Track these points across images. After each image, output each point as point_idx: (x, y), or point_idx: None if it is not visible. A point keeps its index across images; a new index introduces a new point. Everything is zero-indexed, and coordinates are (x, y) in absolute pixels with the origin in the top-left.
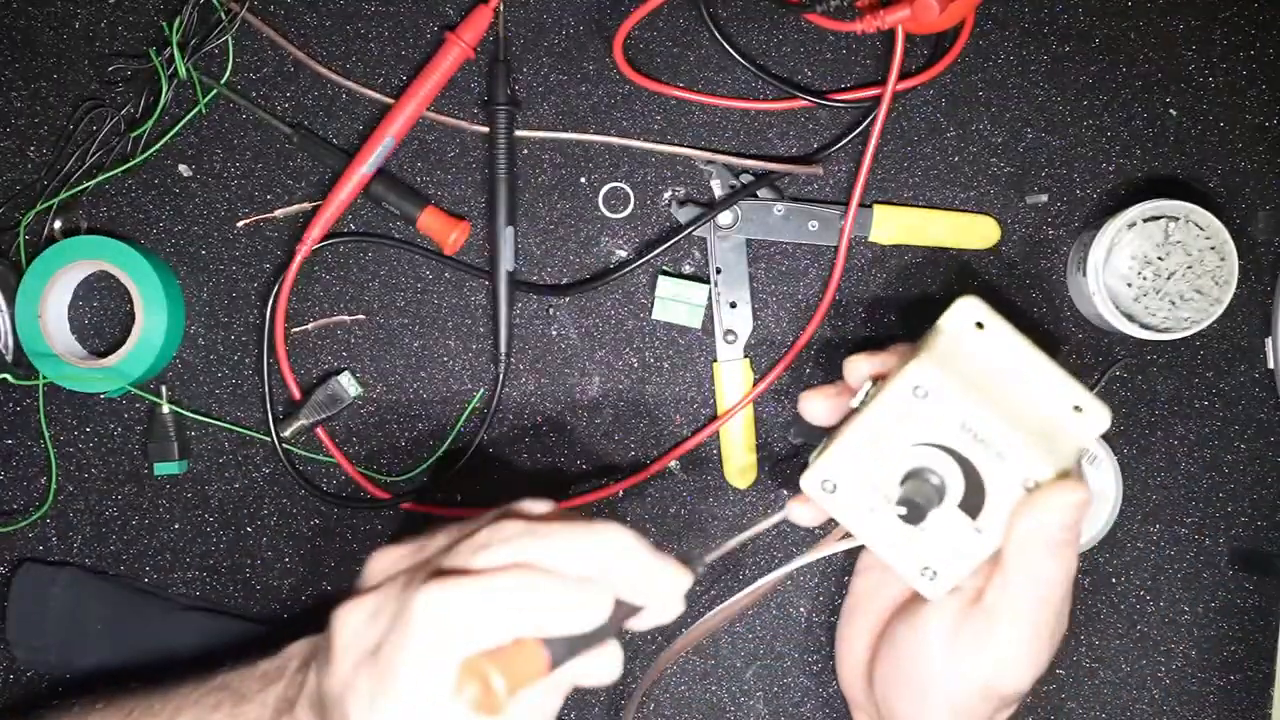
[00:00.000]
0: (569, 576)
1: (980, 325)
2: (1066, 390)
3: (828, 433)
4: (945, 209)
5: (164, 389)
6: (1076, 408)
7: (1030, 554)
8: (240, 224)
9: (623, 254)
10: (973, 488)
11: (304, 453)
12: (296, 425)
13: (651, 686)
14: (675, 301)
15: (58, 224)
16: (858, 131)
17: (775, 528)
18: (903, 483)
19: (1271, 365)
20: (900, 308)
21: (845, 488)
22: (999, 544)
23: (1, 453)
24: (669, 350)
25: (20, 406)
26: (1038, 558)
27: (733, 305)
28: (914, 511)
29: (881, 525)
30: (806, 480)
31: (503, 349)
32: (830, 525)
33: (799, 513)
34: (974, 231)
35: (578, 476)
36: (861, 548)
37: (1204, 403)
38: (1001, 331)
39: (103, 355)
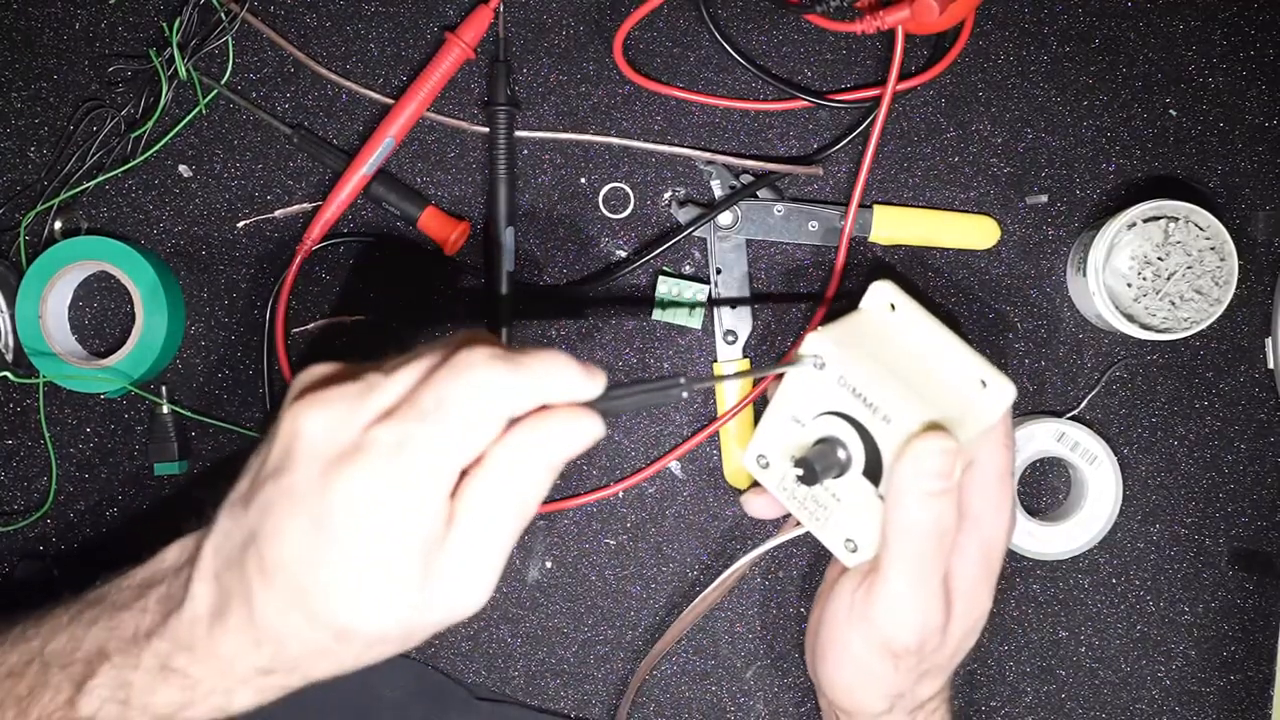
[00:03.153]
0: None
1: (893, 307)
2: (973, 367)
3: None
4: (945, 209)
5: (164, 389)
6: (983, 383)
7: (903, 504)
8: (240, 224)
9: (623, 254)
10: (873, 455)
11: None
12: None
13: (651, 687)
14: (675, 302)
15: (58, 224)
16: (858, 132)
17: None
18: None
19: (1271, 365)
20: None
21: (774, 461)
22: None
23: (1, 453)
24: (669, 350)
25: (20, 406)
26: (909, 508)
27: (733, 305)
28: (809, 473)
29: (808, 498)
30: (746, 456)
31: None
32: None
33: (754, 505)
34: (974, 231)
35: (578, 477)
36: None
37: (1204, 403)
38: (912, 312)
39: (103, 355)
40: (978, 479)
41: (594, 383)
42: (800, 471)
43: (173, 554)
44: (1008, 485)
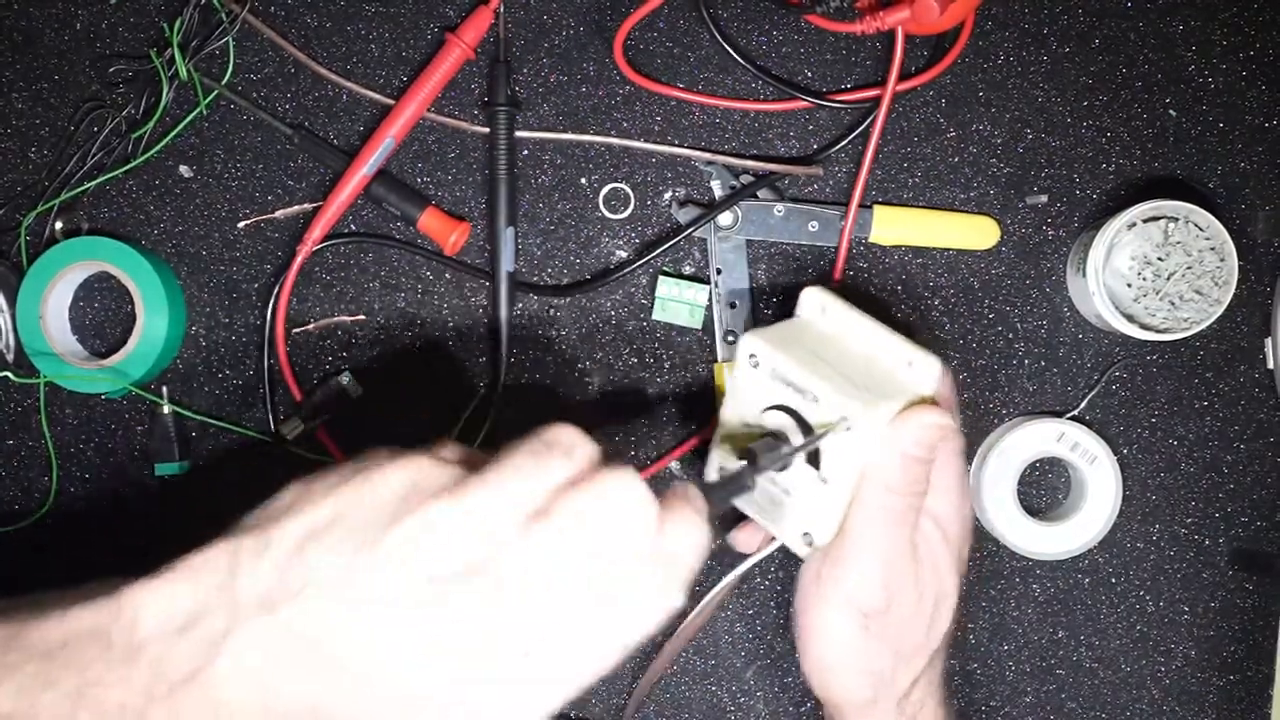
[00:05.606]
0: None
1: (824, 310)
2: (899, 350)
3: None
4: (945, 209)
5: (165, 389)
6: (909, 363)
7: (884, 465)
8: (241, 225)
9: (623, 254)
10: (812, 438)
11: (305, 453)
12: (297, 426)
13: (650, 688)
14: (675, 302)
15: (59, 225)
16: (858, 132)
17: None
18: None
19: (1271, 365)
20: (900, 309)
21: (730, 469)
22: (846, 489)
23: (2, 453)
24: (669, 350)
25: (21, 407)
26: (890, 468)
27: (733, 305)
28: (752, 461)
29: (765, 501)
30: (708, 472)
31: (503, 349)
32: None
33: (739, 538)
34: (974, 232)
35: None
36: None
37: (1204, 403)
38: (841, 311)
39: (103, 356)
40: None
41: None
42: (745, 462)
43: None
44: (960, 470)
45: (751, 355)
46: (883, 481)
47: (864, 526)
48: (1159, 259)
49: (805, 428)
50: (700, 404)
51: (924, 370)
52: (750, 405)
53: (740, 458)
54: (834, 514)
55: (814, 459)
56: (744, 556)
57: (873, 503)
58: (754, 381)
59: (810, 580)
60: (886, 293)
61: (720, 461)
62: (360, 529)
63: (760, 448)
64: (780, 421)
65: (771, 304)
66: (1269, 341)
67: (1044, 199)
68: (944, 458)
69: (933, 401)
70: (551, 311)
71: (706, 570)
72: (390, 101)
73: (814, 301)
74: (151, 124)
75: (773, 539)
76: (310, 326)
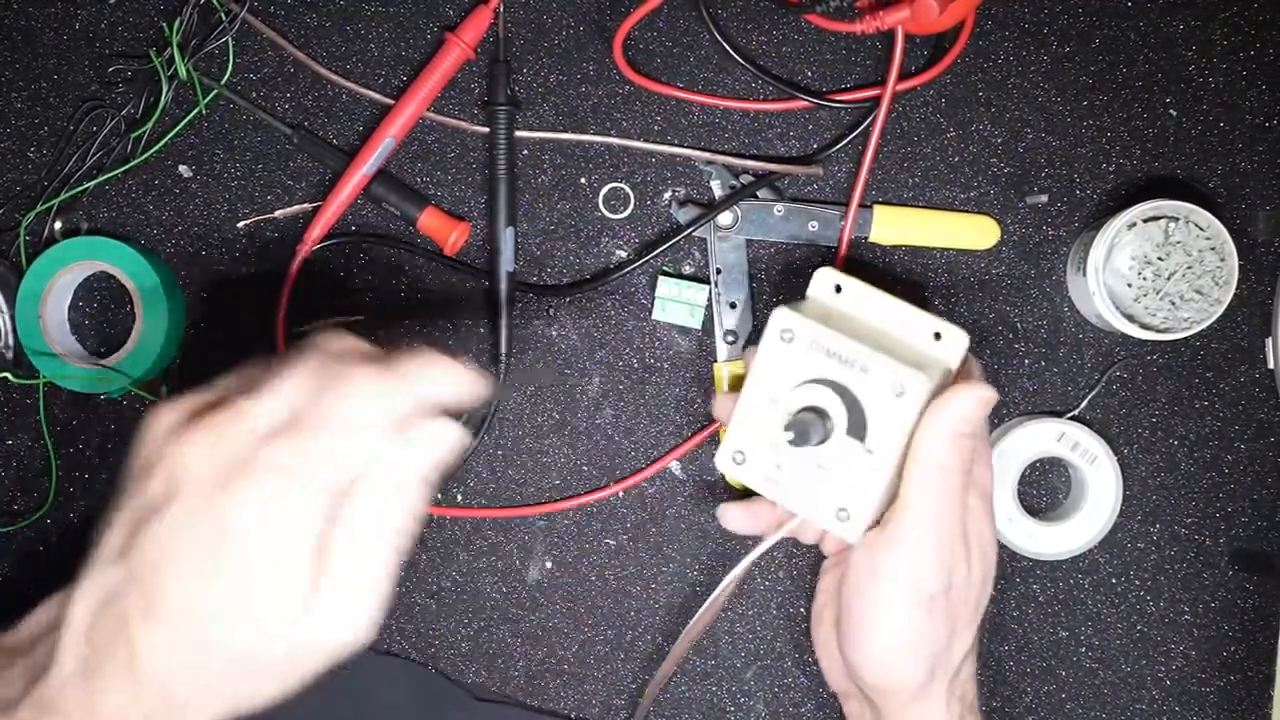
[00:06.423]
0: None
1: (839, 288)
2: (924, 322)
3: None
4: (945, 209)
5: (164, 389)
6: (936, 335)
7: (935, 445)
8: (241, 225)
9: (623, 254)
10: (855, 412)
11: None
12: None
13: (645, 686)
14: (675, 302)
15: (58, 225)
16: (858, 132)
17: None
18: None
19: (1271, 365)
20: None
21: (752, 454)
22: (894, 459)
23: (2, 453)
24: (669, 350)
25: (20, 407)
26: (942, 448)
27: (733, 305)
28: (800, 434)
29: (792, 481)
30: (720, 459)
31: (503, 349)
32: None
33: (730, 516)
34: (974, 231)
35: (578, 477)
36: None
37: (1204, 403)
38: (858, 288)
39: (103, 355)
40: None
41: (470, 379)
42: (791, 435)
43: (35, 619)
44: (985, 438)
45: (785, 330)
46: (936, 462)
47: (921, 507)
48: (1159, 259)
49: (849, 400)
50: (700, 404)
51: (952, 341)
52: (781, 382)
53: (786, 428)
54: (878, 486)
55: (859, 431)
56: (747, 552)
57: (929, 483)
58: (786, 357)
59: (864, 568)
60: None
61: (738, 445)
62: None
63: (801, 420)
64: (818, 397)
65: (771, 304)
66: (1269, 341)
67: (1044, 199)
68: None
69: (964, 373)
70: (551, 311)
71: (711, 569)
72: (390, 101)
73: (827, 280)
74: (151, 124)
75: (779, 527)
76: (310, 326)
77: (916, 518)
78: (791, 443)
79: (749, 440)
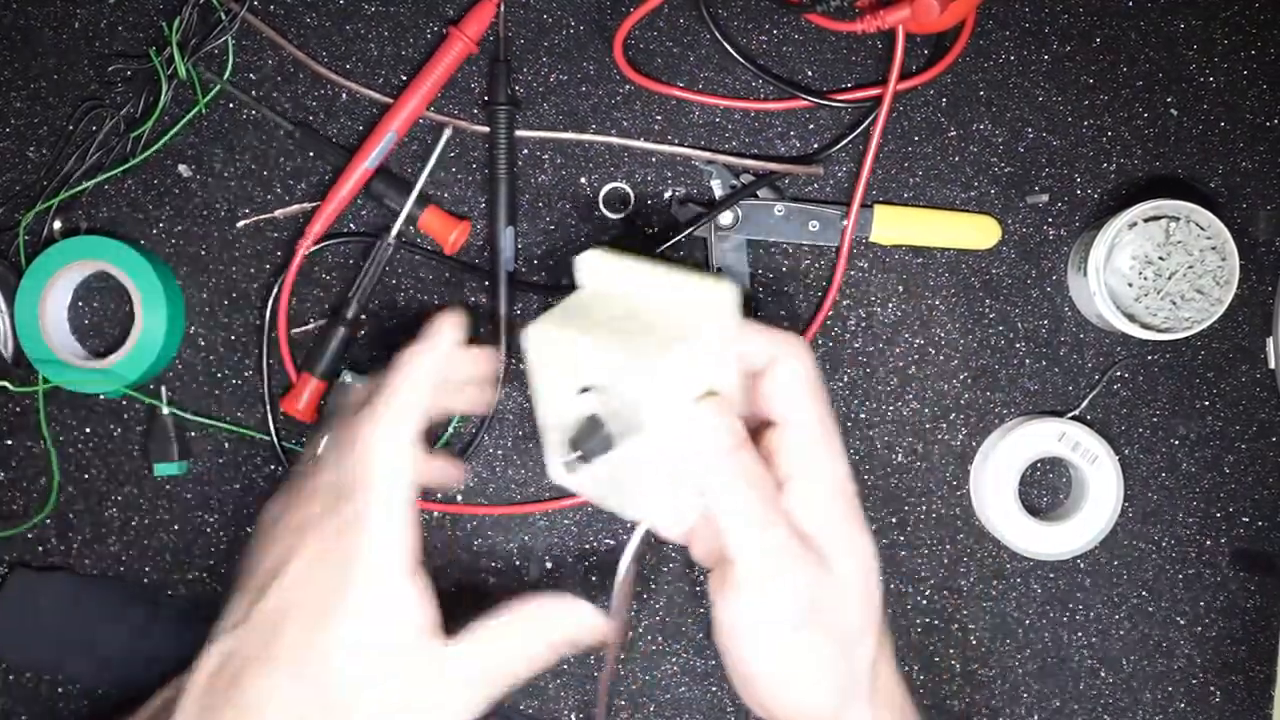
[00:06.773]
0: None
1: (599, 271)
2: (691, 284)
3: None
4: (946, 209)
5: (164, 389)
6: (705, 293)
7: (714, 471)
8: (240, 224)
9: None
10: (629, 409)
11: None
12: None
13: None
14: None
15: (57, 224)
16: (858, 132)
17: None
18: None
19: (1272, 365)
20: (901, 308)
21: (569, 461)
22: (679, 439)
23: (2, 454)
24: None
25: (21, 408)
26: (721, 471)
27: None
28: (587, 450)
29: (609, 486)
30: (551, 471)
31: (503, 349)
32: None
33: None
34: (974, 231)
35: None
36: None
37: (1204, 403)
38: (619, 266)
39: (103, 356)
40: (780, 390)
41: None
42: (579, 452)
43: (153, 702)
44: (822, 417)
45: (531, 350)
46: (729, 488)
47: (743, 546)
48: (1160, 258)
49: (619, 398)
50: None
51: (721, 294)
52: (557, 392)
53: (571, 446)
54: (670, 475)
55: (638, 426)
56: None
57: (739, 514)
58: (548, 376)
59: (723, 627)
60: (887, 292)
61: (560, 458)
62: None
63: (580, 434)
64: (588, 406)
65: (771, 304)
66: (1270, 341)
67: (1045, 198)
68: (800, 411)
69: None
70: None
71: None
72: (389, 100)
73: (591, 264)
74: (150, 123)
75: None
76: (310, 326)
77: (741, 562)
78: (581, 459)
79: (558, 449)
